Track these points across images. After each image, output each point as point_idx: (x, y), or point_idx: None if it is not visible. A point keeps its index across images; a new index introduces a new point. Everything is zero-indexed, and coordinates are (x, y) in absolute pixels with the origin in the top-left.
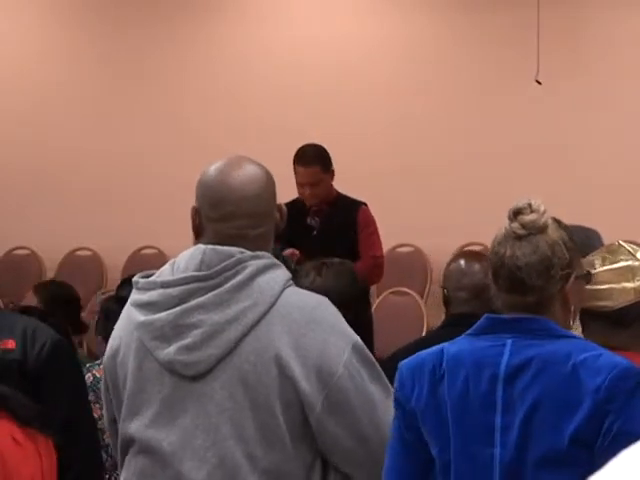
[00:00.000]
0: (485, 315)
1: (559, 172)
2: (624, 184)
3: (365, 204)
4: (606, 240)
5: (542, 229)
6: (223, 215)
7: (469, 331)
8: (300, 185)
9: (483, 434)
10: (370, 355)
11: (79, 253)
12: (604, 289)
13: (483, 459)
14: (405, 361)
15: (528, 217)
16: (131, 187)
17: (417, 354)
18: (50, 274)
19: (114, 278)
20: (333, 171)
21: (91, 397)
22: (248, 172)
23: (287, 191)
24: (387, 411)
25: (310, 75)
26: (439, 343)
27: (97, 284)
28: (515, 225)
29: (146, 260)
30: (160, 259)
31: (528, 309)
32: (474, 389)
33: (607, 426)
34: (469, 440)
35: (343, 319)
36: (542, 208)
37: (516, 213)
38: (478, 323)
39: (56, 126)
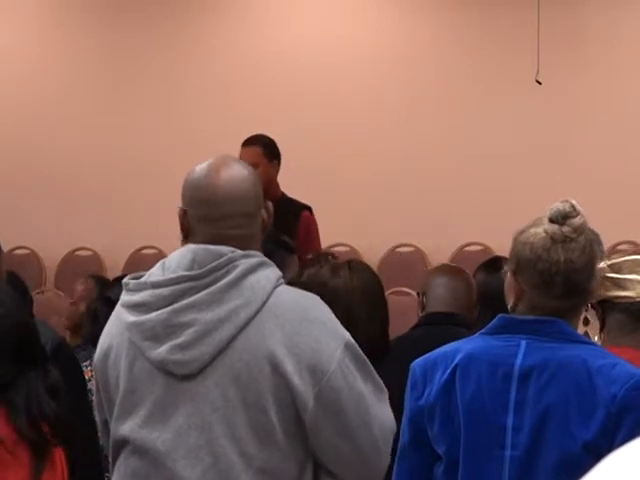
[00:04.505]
0: (499, 315)
1: (559, 172)
2: (624, 184)
3: (309, 208)
4: (607, 240)
5: (585, 230)
6: (217, 215)
7: (482, 330)
8: None
9: (494, 434)
10: (362, 354)
11: (79, 253)
12: (628, 279)
13: (493, 459)
14: (417, 361)
15: (577, 220)
16: (131, 187)
17: (430, 353)
18: (50, 274)
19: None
20: (277, 165)
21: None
22: (237, 172)
23: (285, 189)
24: (378, 412)
25: (310, 75)
26: (416, 341)
27: None
28: (567, 229)
29: (146, 260)
30: (160, 259)
31: (566, 312)
32: (487, 388)
33: (621, 438)
34: (480, 439)
35: (335, 317)
36: (581, 208)
37: (565, 217)
38: (492, 322)
39: (56, 126)
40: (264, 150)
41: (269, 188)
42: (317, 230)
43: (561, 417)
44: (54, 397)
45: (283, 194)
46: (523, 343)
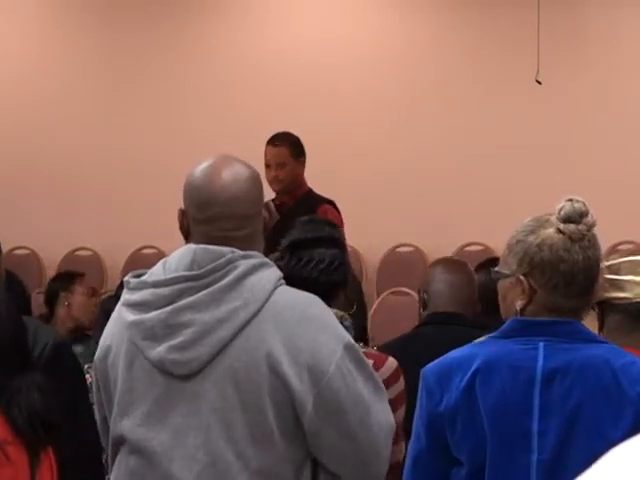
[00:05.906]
0: (513, 318)
1: (559, 172)
2: (624, 184)
3: (331, 202)
4: (607, 240)
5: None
6: (209, 217)
7: (495, 333)
8: (267, 166)
9: (520, 438)
10: (362, 355)
11: (79, 253)
12: (626, 280)
13: (520, 464)
14: (429, 366)
15: (590, 218)
16: (131, 187)
17: (443, 358)
18: (50, 274)
19: (114, 278)
20: (303, 162)
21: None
22: (233, 173)
23: None
24: (378, 412)
25: (310, 75)
26: (425, 341)
27: (97, 284)
28: (583, 227)
29: (146, 260)
30: (160, 259)
31: (580, 311)
32: (510, 392)
33: None
34: (505, 444)
35: (335, 318)
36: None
37: (581, 215)
38: (505, 326)
39: (56, 126)
40: (290, 149)
41: (295, 186)
42: (339, 222)
43: (590, 418)
44: (45, 398)
45: (310, 190)
46: (541, 345)
